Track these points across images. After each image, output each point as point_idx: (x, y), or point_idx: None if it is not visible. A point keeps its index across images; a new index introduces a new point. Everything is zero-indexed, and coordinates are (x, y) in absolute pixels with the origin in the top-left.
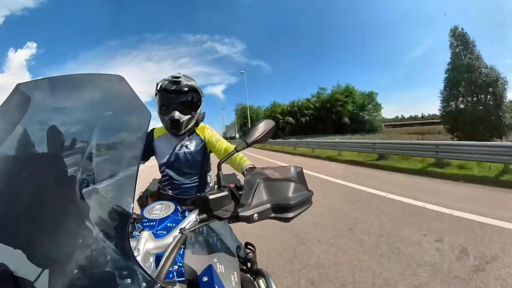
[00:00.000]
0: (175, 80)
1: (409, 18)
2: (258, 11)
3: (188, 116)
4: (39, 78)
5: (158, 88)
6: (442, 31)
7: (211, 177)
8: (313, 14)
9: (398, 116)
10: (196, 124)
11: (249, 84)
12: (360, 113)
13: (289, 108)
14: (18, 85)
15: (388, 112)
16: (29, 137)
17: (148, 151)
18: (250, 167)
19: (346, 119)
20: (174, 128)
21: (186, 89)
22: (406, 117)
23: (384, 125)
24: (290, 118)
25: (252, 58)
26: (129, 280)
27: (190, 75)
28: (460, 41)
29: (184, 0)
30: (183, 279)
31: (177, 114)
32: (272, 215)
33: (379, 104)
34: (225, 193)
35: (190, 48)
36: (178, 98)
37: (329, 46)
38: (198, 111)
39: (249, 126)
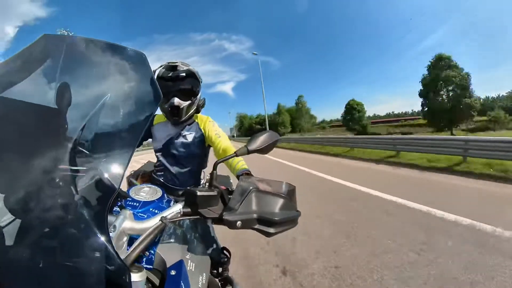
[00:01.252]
0: (172, 66)
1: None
2: (264, 6)
3: (188, 102)
4: (66, 34)
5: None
6: None
7: (205, 174)
8: (321, 6)
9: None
10: (197, 111)
11: (258, 81)
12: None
13: (260, 119)
14: (44, 35)
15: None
16: (40, 87)
17: (145, 135)
18: (246, 173)
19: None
20: (174, 115)
21: (184, 74)
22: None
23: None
24: (258, 126)
25: (260, 54)
26: (96, 254)
27: (199, 73)
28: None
29: (190, 0)
30: (151, 267)
31: (176, 101)
32: (256, 226)
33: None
34: (215, 193)
35: (198, 47)
36: (176, 85)
37: (338, 39)
38: (198, 96)
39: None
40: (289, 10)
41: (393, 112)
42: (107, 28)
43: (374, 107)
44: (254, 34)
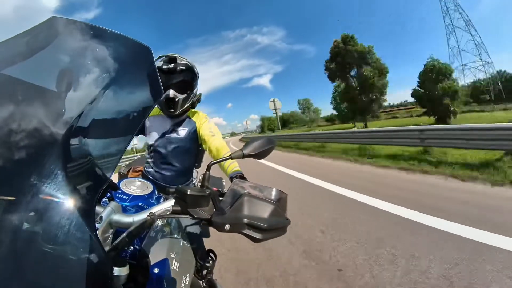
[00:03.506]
0: (170, 58)
1: None
2: None
3: (184, 95)
4: (75, 19)
5: None
6: None
7: (198, 174)
8: None
9: None
10: (193, 106)
11: (294, 71)
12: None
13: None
14: (53, 17)
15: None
16: (41, 69)
17: (139, 128)
18: (240, 176)
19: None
20: (169, 107)
21: (184, 67)
22: None
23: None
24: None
25: (293, 43)
26: (79, 244)
27: (235, 70)
28: None
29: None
30: (135, 263)
31: (172, 93)
32: (244, 231)
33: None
34: (206, 194)
35: (231, 44)
36: (174, 78)
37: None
38: (195, 91)
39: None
40: None
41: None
42: (143, 39)
43: None
44: (284, 22)
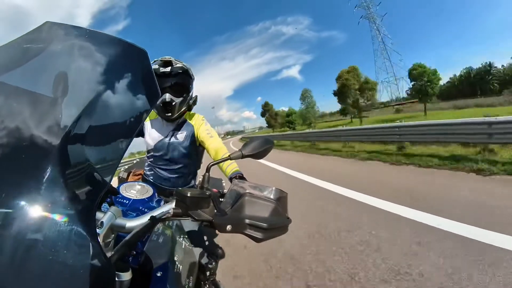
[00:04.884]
0: (165, 61)
1: None
2: None
3: (181, 99)
4: (70, 24)
5: None
6: None
7: (198, 176)
8: None
9: None
10: (189, 109)
11: (323, 60)
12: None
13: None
14: (47, 22)
15: None
16: (37, 74)
17: (137, 132)
18: (239, 176)
19: None
20: (167, 111)
21: (180, 70)
22: None
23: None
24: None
25: (321, 30)
26: (81, 250)
27: (263, 63)
28: None
29: None
30: (137, 267)
31: (168, 96)
32: (246, 231)
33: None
34: (206, 195)
35: (257, 38)
36: (169, 81)
37: None
38: (191, 94)
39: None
40: None
41: None
42: (170, 42)
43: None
44: (309, 9)
